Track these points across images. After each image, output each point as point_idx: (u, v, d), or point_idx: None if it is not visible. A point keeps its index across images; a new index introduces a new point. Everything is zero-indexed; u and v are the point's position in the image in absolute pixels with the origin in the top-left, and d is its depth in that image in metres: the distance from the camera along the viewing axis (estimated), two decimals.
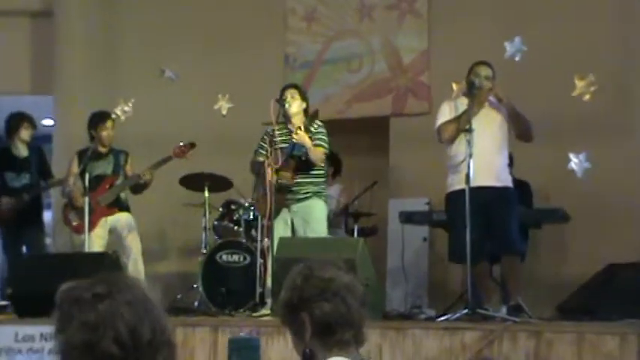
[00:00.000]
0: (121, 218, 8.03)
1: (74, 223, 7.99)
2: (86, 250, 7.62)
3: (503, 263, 7.01)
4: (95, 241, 7.84)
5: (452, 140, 6.82)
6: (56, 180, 8.57)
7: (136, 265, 7.87)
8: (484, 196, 6.49)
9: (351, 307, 2.67)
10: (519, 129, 6.83)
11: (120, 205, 8.06)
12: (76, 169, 7.97)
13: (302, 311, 2.68)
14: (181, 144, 7.97)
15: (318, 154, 7.19)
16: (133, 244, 7.97)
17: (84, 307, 1.96)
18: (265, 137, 7.34)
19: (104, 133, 8.04)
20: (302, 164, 7.19)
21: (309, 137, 7.14)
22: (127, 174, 8.10)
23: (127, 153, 8.20)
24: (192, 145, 7.97)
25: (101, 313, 1.94)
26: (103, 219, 7.96)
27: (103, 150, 8.08)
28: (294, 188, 7.18)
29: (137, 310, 1.94)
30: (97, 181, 7.95)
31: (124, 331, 1.91)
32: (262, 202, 7.19)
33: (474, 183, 6.38)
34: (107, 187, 7.99)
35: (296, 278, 2.73)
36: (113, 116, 8.19)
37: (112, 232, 8.02)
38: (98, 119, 8.09)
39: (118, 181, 8.06)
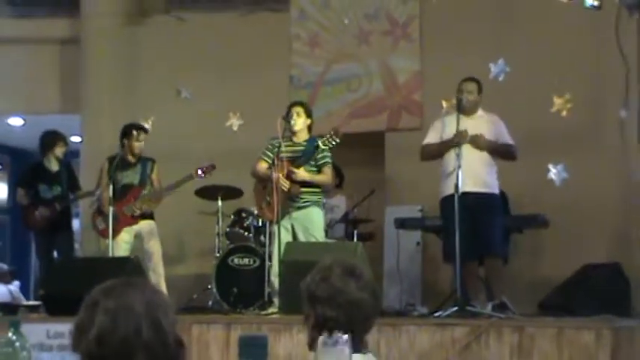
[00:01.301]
0: (145, 225, 8.00)
1: (100, 228, 7.99)
2: (110, 254, 7.62)
3: (486, 265, 7.02)
4: (121, 245, 7.83)
5: (428, 160, 6.94)
6: (84, 192, 8.59)
7: (156, 269, 7.86)
8: (469, 200, 6.52)
9: (351, 320, 2.61)
10: (501, 158, 6.92)
11: (144, 214, 8.04)
12: (106, 176, 7.94)
13: (309, 305, 2.67)
14: (205, 166, 7.92)
15: (325, 177, 7.23)
16: (154, 249, 7.95)
17: (79, 313, 1.96)
18: (269, 147, 7.34)
19: (135, 144, 7.98)
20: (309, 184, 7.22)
21: (319, 152, 7.16)
22: (152, 182, 8.07)
23: (153, 161, 8.12)
24: (212, 167, 7.94)
25: (84, 318, 1.93)
26: (128, 226, 7.95)
27: (131, 159, 8.05)
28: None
29: (111, 317, 1.91)
30: (124, 190, 7.93)
31: (93, 338, 1.88)
32: (267, 209, 7.21)
33: (462, 189, 6.43)
34: (132, 199, 7.95)
35: (317, 274, 2.68)
36: (136, 133, 8.14)
37: (137, 237, 8.01)
38: (131, 129, 8.04)
39: (145, 191, 8.02)
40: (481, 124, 6.96)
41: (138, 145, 8.00)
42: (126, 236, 7.92)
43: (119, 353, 1.89)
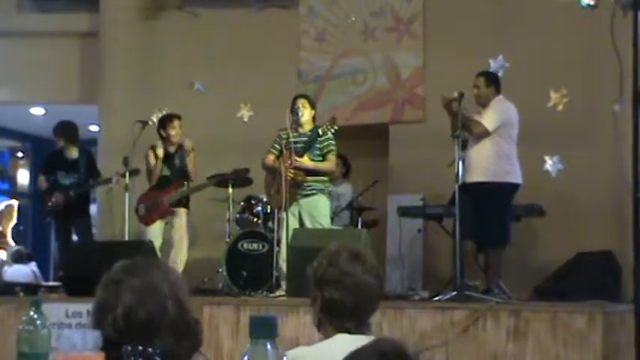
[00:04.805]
0: (177, 212, 8.02)
1: (140, 214, 8.01)
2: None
3: (488, 252, 7.03)
4: (154, 231, 7.93)
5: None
6: (102, 179, 8.56)
7: (173, 258, 7.87)
8: (470, 190, 6.53)
9: (357, 302, 2.61)
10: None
11: (179, 201, 8.04)
12: (153, 159, 8.00)
13: (317, 288, 2.66)
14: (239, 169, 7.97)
15: (329, 165, 7.23)
16: (176, 239, 7.98)
17: (100, 290, 1.95)
18: (277, 139, 7.38)
19: (172, 132, 7.99)
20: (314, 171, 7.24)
21: (324, 139, 7.17)
22: (187, 167, 7.97)
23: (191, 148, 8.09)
24: (247, 170, 7.98)
25: (108, 296, 1.92)
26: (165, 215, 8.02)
27: (171, 150, 8.03)
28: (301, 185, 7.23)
29: (138, 295, 1.90)
30: (164, 180, 7.98)
31: (120, 315, 1.87)
32: (276, 197, 7.25)
33: (464, 179, 6.46)
34: (173, 191, 7.97)
35: (324, 258, 2.67)
36: (170, 122, 8.09)
37: (167, 224, 8.05)
38: (166, 119, 8.05)
39: (184, 188, 8.04)
40: (483, 116, 6.98)
41: (175, 133, 7.99)
42: (159, 223, 7.99)
43: (145, 330, 1.88)
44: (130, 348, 1.72)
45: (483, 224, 6.67)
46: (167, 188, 7.97)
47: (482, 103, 7.00)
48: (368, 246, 6.39)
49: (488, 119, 6.86)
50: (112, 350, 1.82)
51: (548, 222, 7.84)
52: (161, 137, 8.05)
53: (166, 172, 8.01)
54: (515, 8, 8.82)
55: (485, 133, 6.81)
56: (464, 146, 6.75)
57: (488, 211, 6.70)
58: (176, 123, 8.02)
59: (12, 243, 10.96)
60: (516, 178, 6.90)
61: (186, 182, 8.05)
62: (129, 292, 1.90)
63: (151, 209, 7.95)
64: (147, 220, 7.99)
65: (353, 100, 9.61)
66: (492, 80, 7.05)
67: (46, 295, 7.52)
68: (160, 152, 7.96)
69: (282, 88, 9.14)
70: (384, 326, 5.61)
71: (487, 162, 6.80)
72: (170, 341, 1.90)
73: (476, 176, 6.68)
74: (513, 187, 6.91)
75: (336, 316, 2.62)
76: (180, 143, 8.03)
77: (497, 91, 7.05)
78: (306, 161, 7.18)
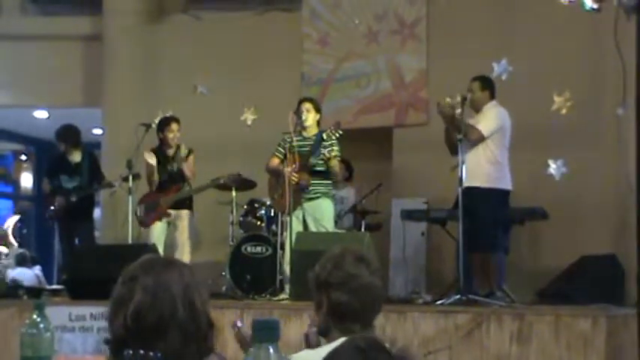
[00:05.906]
0: (180, 214, 8.05)
1: (139, 214, 8.03)
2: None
3: (485, 256, 7.03)
4: (155, 232, 7.95)
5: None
6: (106, 182, 8.56)
7: (181, 256, 7.88)
8: (467, 195, 6.53)
9: (364, 305, 2.63)
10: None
11: (182, 203, 8.06)
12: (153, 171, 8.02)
13: (323, 291, 2.66)
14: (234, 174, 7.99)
15: (335, 166, 7.24)
16: (178, 240, 7.99)
17: (117, 286, 1.94)
18: (281, 142, 7.39)
19: (170, 135, 8.01)
20: (320, 172, 7.24)
21: (329, 144, 7.17)
22: (182, 171, 8.00)
23: (190, 151, 8.09)
24: (239, 174, 8.01)
25: (121, 294, 1.91)
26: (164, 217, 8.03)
27: (170, 152, 8.05)
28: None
29: (150, 294, 1.88)
30: (166, 182, 8.01)
31: (130, 313, 1.85)
32: (280, 200, 7.26)
33: (465, 184, 6.45)
34: (172, 193, 7.99)
35: (329, 261, 2.68)
36: (168, 125, 8.11)
37: (170, 225, 8.05)
38: (164, 123, 8.08)
39: (185, 188, 8.07)
40: (478, 118, 6.98)
41: (172, 137, 8.02)
42: (161, 224, 8.00)
43: (154, 330, 1.87)
44: (131, 352, 1.72)
45: (472, 228, 6.66)
46: (166, 190, 7.99)
47: (476, 108, 7.01)
48: (371, 249, 6.40)
49: (485, 124, 6.87)
50: (119, 352, 1.81)
51: (551, 225, 7.83)
52: (160, 140, 8.06)
53: (164, 175, 8.01)
54: (519, 12, 8.82)
55: (481, 139, 6.82)
56: (456, 151, 6.74)
57: (477, 215, 6.69)
58: (174, 126, 8.04)
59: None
60: (506, 184, 6.93)
61: (185, 184, 8.06)
62: (141, 291, 1.89)
63: (149, 210, 7.98)
64: (145, 221, 8.01)
65: (356, 104, 9.61)
66: (487, 85, 7.05)
67: (50, 299, 7.53)
68: (153, 160, 7.98)
69: (286, 91, 9.15)
70: (388, 330, 5.62)
71: (477, 167, 6.80)
72: (177, 343, 1.89)
73: (468, 181, 6.66)
74: (503, 193, 6.93)
75: (344, 319, 2.63)
76: (179, 145, 8.05)
77: (492, 96, 7.06)
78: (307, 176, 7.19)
